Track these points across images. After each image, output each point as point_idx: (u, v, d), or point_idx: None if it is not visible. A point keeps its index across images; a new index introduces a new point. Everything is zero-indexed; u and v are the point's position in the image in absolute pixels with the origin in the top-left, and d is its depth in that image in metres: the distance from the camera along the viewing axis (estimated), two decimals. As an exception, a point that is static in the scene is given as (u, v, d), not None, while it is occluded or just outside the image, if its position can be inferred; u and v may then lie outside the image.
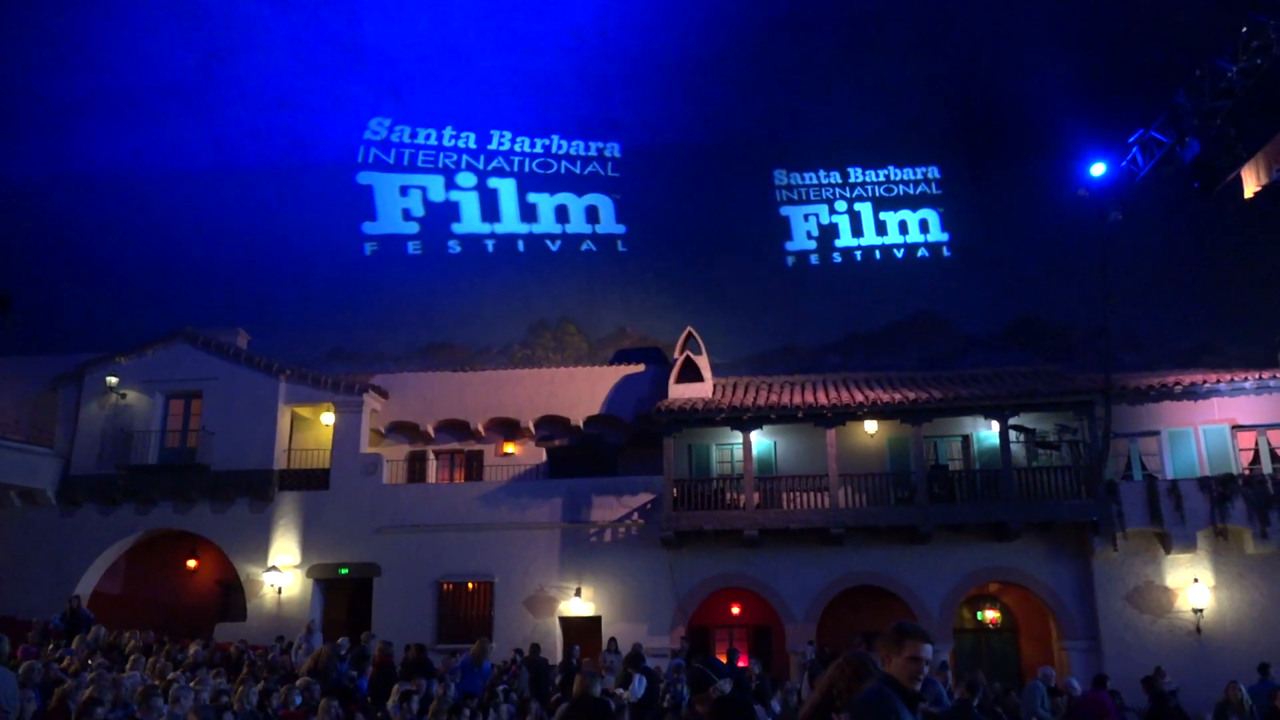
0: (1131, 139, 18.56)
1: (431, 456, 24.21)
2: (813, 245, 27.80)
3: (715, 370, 23.29)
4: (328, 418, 23.41)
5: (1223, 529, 19.40)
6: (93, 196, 28.30)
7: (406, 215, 28.64)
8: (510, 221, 28.43)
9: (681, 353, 22.92)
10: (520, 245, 28.17)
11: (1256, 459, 20.62)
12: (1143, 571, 19.84)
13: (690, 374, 22.50)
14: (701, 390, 22.32)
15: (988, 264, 26.25)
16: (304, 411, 23.78)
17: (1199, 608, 19.39)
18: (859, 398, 20.92)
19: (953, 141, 27.82)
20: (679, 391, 22.22)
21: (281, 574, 21.70)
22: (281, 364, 23.33)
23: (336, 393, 23.02)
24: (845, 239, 27.75)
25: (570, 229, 28.28)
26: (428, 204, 28.71)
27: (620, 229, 28.13)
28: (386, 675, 13.65)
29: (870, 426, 21.38)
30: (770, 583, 20.70)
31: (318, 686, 12.36)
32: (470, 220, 28.49)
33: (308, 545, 21.97)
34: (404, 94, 29.26)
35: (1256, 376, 21.07)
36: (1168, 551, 19.70)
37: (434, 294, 27.29)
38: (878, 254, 27.48)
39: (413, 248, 28.26)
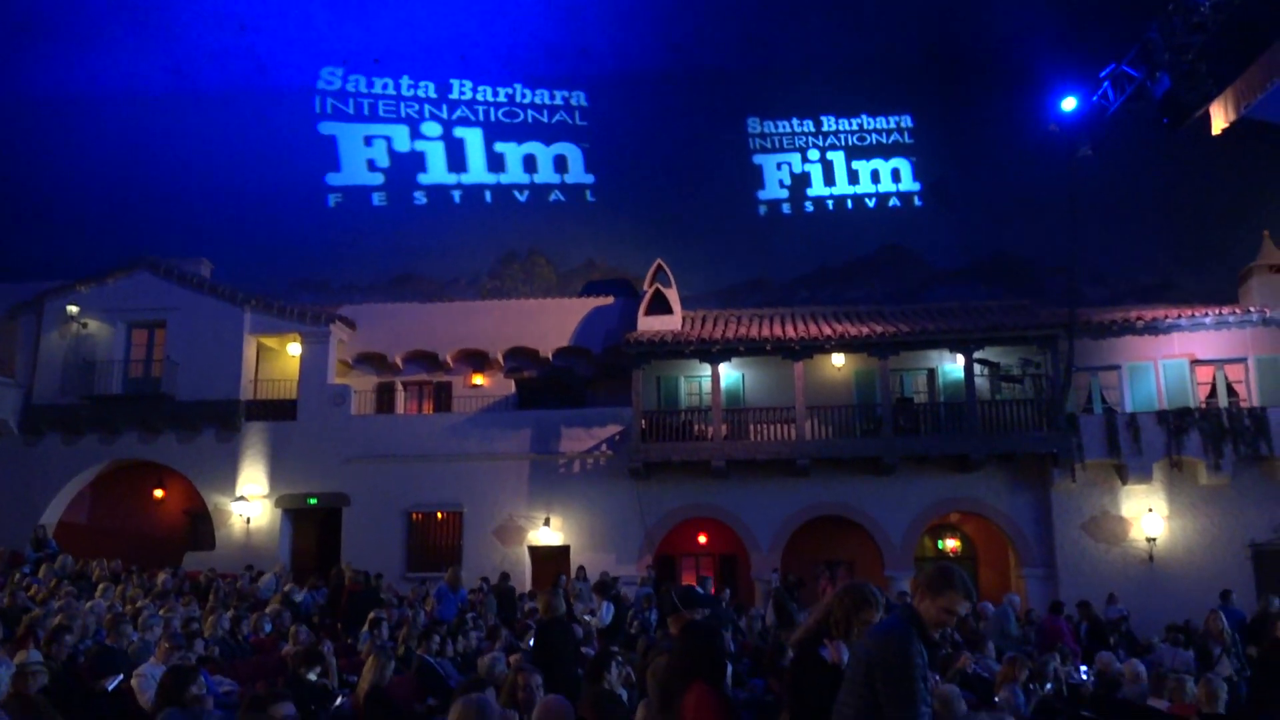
0: (1103, 74, 18.50)
1: (400, 388, 24.16)
2: (785, 194, 27.59)
3: (684, 303, 23.30)
4: (294, 348, 23.23)
5: (1178, 461, 19.86)
6: (48, 121, 27.53)
7: (371, 166, 28.00)
8: (477, 171, 27.92)
9: (651, 285, 22.88)
10: (487, 196, 27.70)
11: (1213, 393, 21.06)
12: (1099, 502, 20.32)
13: (659, 306, 22.50)
14: (670, 323, 22.34)
15: (958, 199, 26.30)
16: (270, 342, 23.58)
17: (1152, 537, 19.93)
18: (827, 331, 21.04)
19: (925, 77, 27.57)
20: (648, 324, 22.24)
21: (250, 504, 21.71)
22: (246, 294, 23.05)
23: (303, 323, 22.81)
24: (817, 188, 27.56)
25: (538, 179, 27.82)
26: (393, 154, 28.10)
27: (589, 178, 27.70)
28: (357, 603, 13.78)
29: (837, 359, 21.55)
30: (737, 513, 21.00)
31: (288, 614, 12.47)
32: (436, 170, 27.95)
33: (276, 475, 21.97)
34: (368, 11, 28.36)
35: (1216, 312, 21.41)
36: (1124, 482, 20.17)
37: (401, 225, 26.99)
38: (849, 203, 27.36)
39: (378, 199, 27.70)
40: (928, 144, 27.45)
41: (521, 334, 23.59)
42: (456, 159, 28.03)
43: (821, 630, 4.48)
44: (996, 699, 8.05)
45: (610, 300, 23.91)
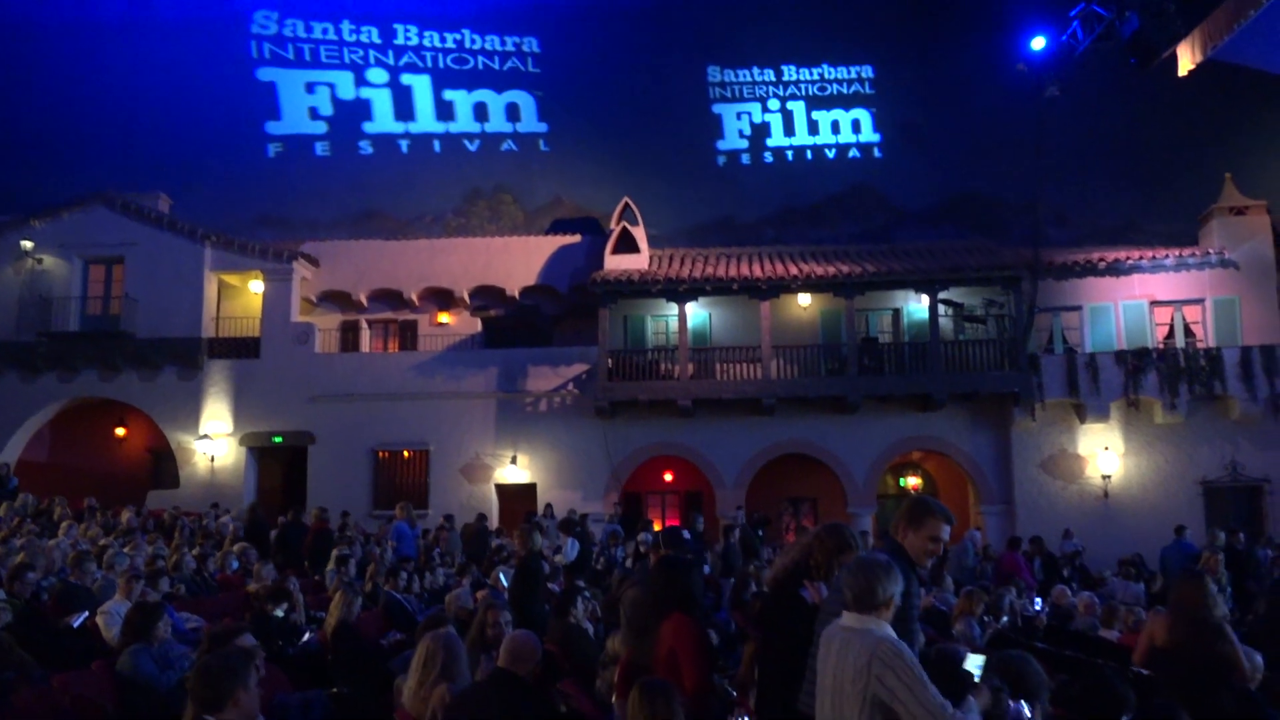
0: (1073, 12, 18.42)
1: (365, 326, 23.96)
2: (745, 144, 27.18)
3: (652, 242, 23.19)
4: (256, 286, 22.92)
5: (1135, 400, 20.23)
6: (-5, 48, 26.61)
7: (314, 114, 27.02)
8: (426, 120, 27.08)
9: (618, 223, 22.74)
10: (436, 145, 26.88)
11: (1171, 334, 21.41)
12: (1057, 440, 20.70)
13: (627, 245, 22.40)
14: (638, 261, 22.26)
15: (925, 140, 26.19)
16: (231, 279, 23.24)
17: (1107, 474, 20.37)
18: (793, 271, 21.07)
19: (891, 16, 27.16)
20: (615, 262, 22.14)
21: (213, 442, 21.57)
22: (206, 230, 22.64)
23: (265, 260, 22.48)
24: (777, 138, 27.14)
25: (490, 128, 27.03)
26: (336, 102, 27.10)
27: (542, 127, 26.97)
28: (323, 541, 13.80)
29: (804, 299, 21.62)
30: (702, 451, 21.18)
31: (254, 551, 12.47)
32: (383, 119, 27.05)
33: (240, 414, 21.81)
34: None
35: (1177, 254, 21.68)
36: (1082, 421, 20.53)
37: (364, 161, 26.48)
38: (809, 154, 27.04)
39: (321, 149, 26.75)
40: (893, 84, 27.09)
41: (488, 272, 23.42)
42: (404, 107, 27.13)
43: (800, 571, 4.51)
44: (954, 631, 8.25)
45: (577, 239, 23.75)
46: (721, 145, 27.19)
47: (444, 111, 27.22)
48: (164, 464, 22.63)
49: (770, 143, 27.18)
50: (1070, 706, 4.41)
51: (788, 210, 26.15)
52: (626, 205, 23.05)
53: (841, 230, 25.40)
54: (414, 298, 23.49)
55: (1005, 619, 9.68)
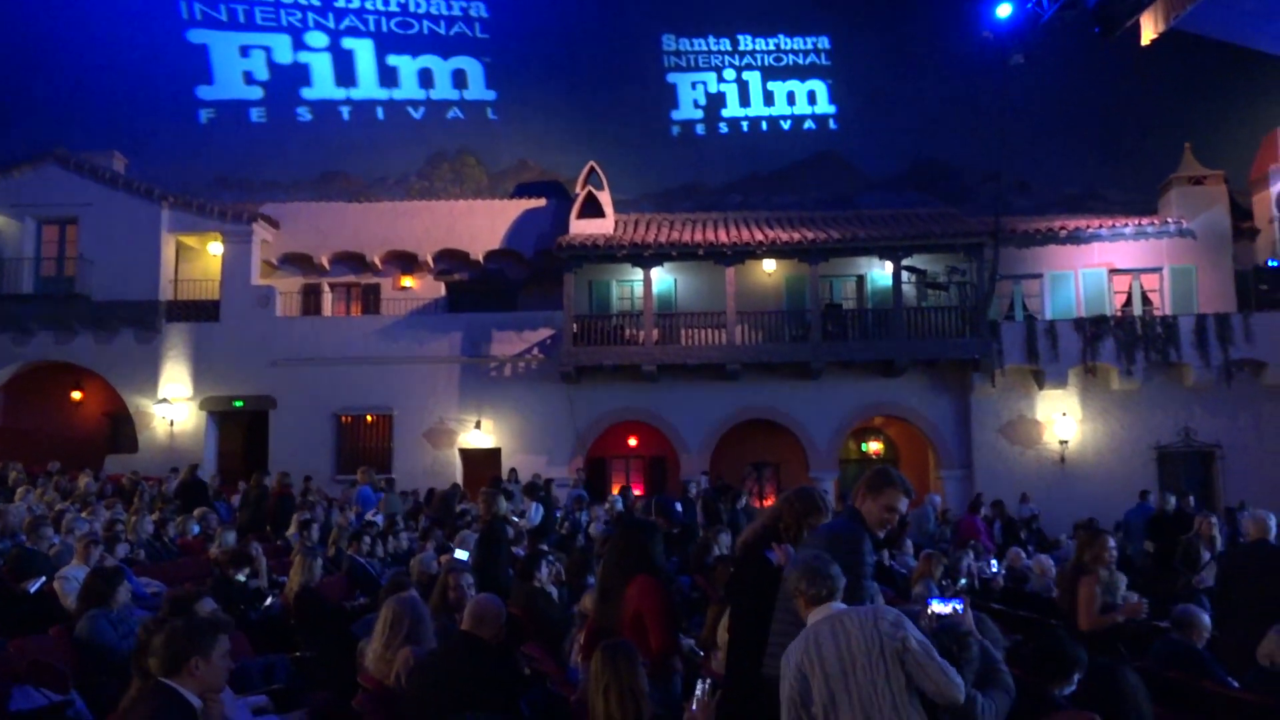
0: (1038, -20, 18.45)
1: (326, 289, 23.70)
2: (700, 114, 26.86)
3: (617, 206, 23.09)
4: (215, 248, 22.57)
5: (1092, 367, 20.54)
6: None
7: (248, 79, 25.98)
8: (368, 86, 26.14)
9: (583, 188, 22.60)
10: (380, 112, 26.08)
11: (1129, 301, 21.73)
12: (1016, 406, 21.00)
13: (592, 209, 22.28)
14: (603, 226, 22.17)
15: (889, 106, 26.13)
16: (190, 241, 22.86)
17: (1064, 439, 20.72)
18: (759, 237, 21.09)
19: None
20: (580, 227, 22.03)
21: (173, 406, 21.31)
22: (163, 190, 22.21)
23: (224, 221, 22.12)
24: (733, 109, 26.83)
25: (436, 94, 26.21)
26: (273, 66, 26.05)
27: (490, 95, 26.29)
28: (285, 506, 13.74)
29: (769, 265, 21.66)
30: (667, 416, 21.26)
31: (214, 516, 12.39)
32: (323, 85, 26.03)
33: (199, 377, 21.55)
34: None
35: (1136, 223, 21.95)
36: (1041, 387, 20.83)
37: (327, 121, 26.01)
38: (764, 125, 26.82)
39: (256, 115, 25.79)
40: (853, 51, 26.80)
41: (451, 236, 23.21)
42: (345, 72, 26.18)
43: (769, 534, 4.55)
44: (913, 593, 8.40)
45: (542, 202, 23.58)
46: (676, 115, 26.78)
47: (388, 77, 26.33)
48: (122, 428, 22.34)
49: (726, 113, 26.81)
50: (1024, 665, 4.51)
51: (753, 176, 26.10)
52: (592, 170, 22.90)
53: (807, 196, 25.39)
54: (377, 261, 23.25)
55: (963, 581, 9.87)
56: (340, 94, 26.24)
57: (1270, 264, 21.51)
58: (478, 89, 26.48)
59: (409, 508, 16.11)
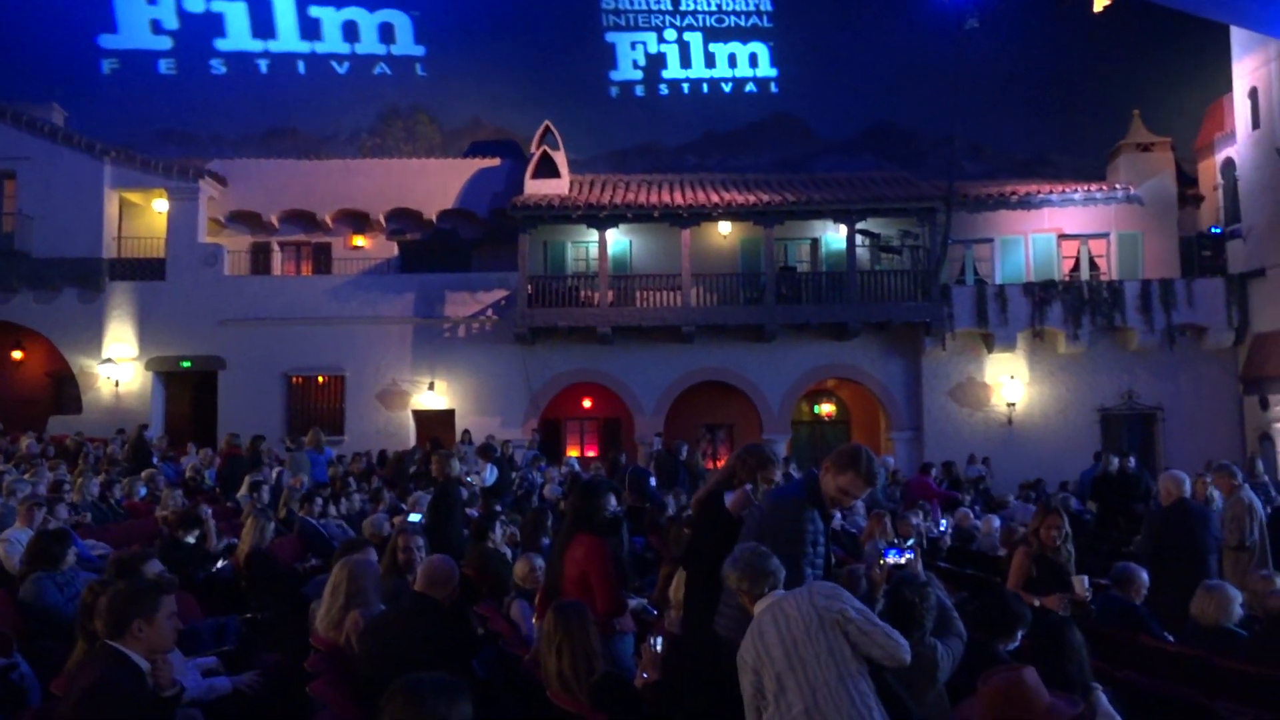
0: (995, -56, 18.50)
1: (276, 248, 23.29)
2: (639, 75, 26.39)
3: (572, 166, 22.89)
4: (160, 205, 22.04)
5: (1040, 331, 20.87)
6: None
7: (156, 28, 24.84)
8: (288, 39, 24.98)
9: (538, 147, 22.36)
10: (301, 66, 25.00)
11: (1077, 266, 22.06)
12: (966, 369, 21.31)
13: (547, 169, 22.08)
14: (558, 186, 21.98)
15: (840, 70, 26.07)
16: (134, 197, 22.30)
17: (1012, 402, 21.08)
18: (714, 199, 21.06)
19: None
20: (535, 187, 21.84)
21: (118, 366, 20.90)
22: (106, 145, 21.60)
23: (169, 178, 21.58)
24: (674, 70, 26.41)
25: (361, 49, 25.23)
26: (183, 14, 24.91)
27: (419, 50, 25.37)
28: (234, 467, 13.58)
29: (724, 228, 21.66)
30: (621, 378, 21.28)
31: (162, 478, 12.22)
32: (238, 36, 24.89)
33: (145, 337, 21.13)
34: None
35: (1085, 189, 22.23)
36: (990, 351, 21.14)
37: (273, 74, 25.37)
38: (705, 87, 26.46)
39: (165, 66, 24.65)
40: (804, 14, 26.50)
41: (404, 194, 22.88)
42: (263, 23, 25.06)
43: (723, 491, 4.59)
44: (863, 552, 8.52)
45: (497, 162, 23.30)
46: (615, 76, 26.36)
47: (309, 30, 25.24)
48: (66, 388, 21.87)
49: (666, 74, 26.41)
50: (970, 622, 4.61)
51: (709, 137, 26.01)
52: (547, 129, 22.65)
53: (762, 158, 25.39)
54: (327, 220, 22.87)
55: (911, 540, 10.03)
56: (257, 46, 25.13)
57: (1213, 230, 21.94)
58: (406, 44, 25.54)
59: (362, 469, 16.01)
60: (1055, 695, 3.19)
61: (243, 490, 12.25)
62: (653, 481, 8.26)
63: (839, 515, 10.80)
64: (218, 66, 24.93)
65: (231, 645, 6.02)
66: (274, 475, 13.23)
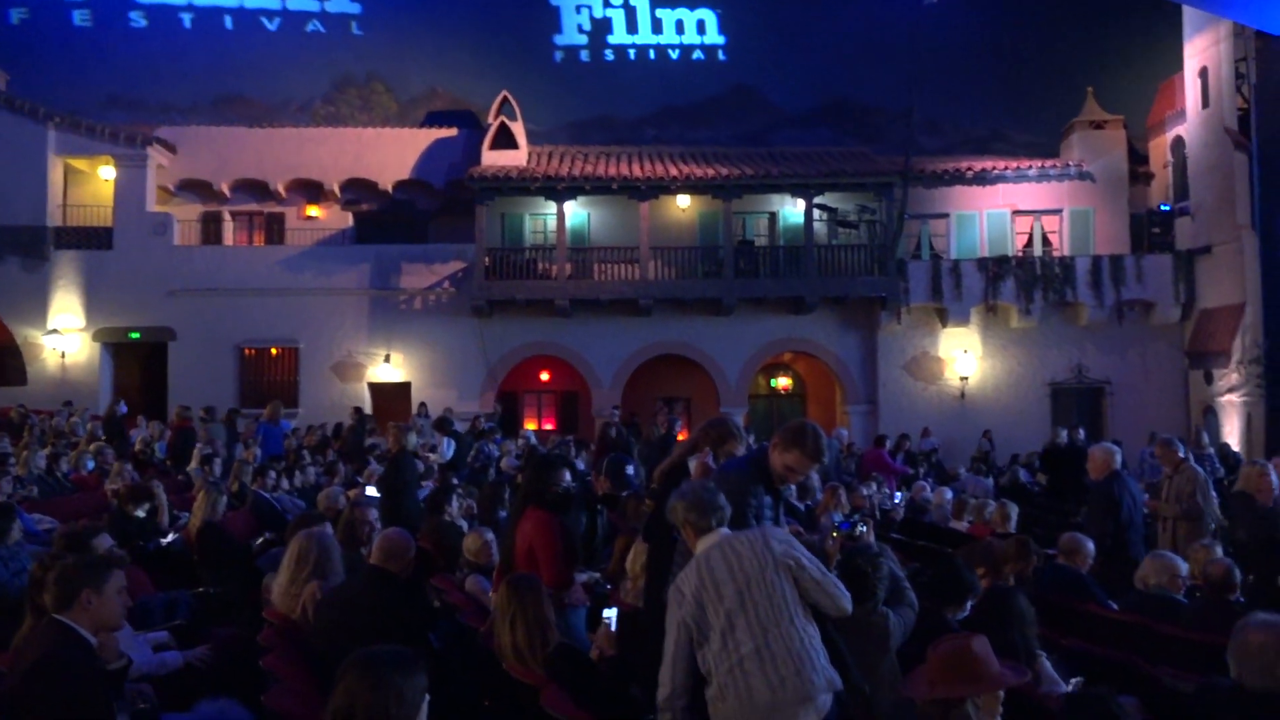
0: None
1: (228, 217, 22.86)
2: (584, 40, 26.06)
3: (531, 138, 22.68)
4: (107, 172, 21.51)
5: (993, 305, 21.14)
6: None
7: None
8: None
9: (496, 118, 22.12)
10: (228, 21, 24.22)
11: (1030, 242, 22.35)
12: (920, 343, 21.55)
13: (505, 140, 21.86)
14: (516, 158, 21.79)
15: (798, 40, 25.97)
16: (79, 164, 21.74)
17: (965, 376, 21.38)
18: (673, 172, 21.02)
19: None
20: (493, 158, 21.63)
21: (64, 337, 20.46)
22: (49, 109, 21.01)
23: (116, 144, 21.05)
24: (619, 35, 26.03)
25: (292, 4, 24.52)
26: None
27: (355, 8, 24.70)
28: (185, 439, 13.40)
29: (683, 201, 21.63)
30: (579, 351, 21.25)
31: (110, 450, 12.03)
32: None
33: (93, 308, 20.69)
34: None
35: (1039, 165, 22.48)
36: (944, 325, 21.39)
37: (224, 39, 24.78)
38: (652, 53, 26.20)
39: (79, 17, 23.80)
40: None
41: (359, 164, 22.52)
42: None
43: (687, 461, 4.61)
44: (819, 525, 8.62)
45: (454, 132, 23.00)
46: (559, 40, 26.04)
47: None
48: (9, 360, 21.31)
49: (612, 40, 26.14)
50: (922, 592, 4.69)
51: (668, 110, 25.87)
52: (505, 100, 22.40)
53: (721, 132, 25.31)
54: (280, 189, 22.47)
55: (858, 516, 10.15)
56: None
57: (1163, 208, 22.31)
58: (340, 0, 24.95)
59: (317, 441, 15.86)
60: (1003, 663, 3.25)
61: (193, 464, 12.09)
62: (630, 470, 8.25)
63: (794, 489, 10.91)
64: (137, 20, 24.09)
65: (183, 620, 5.97)
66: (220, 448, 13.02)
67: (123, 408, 16.28)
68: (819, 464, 4.22)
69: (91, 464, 11.91)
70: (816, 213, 21.02)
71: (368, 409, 20.46)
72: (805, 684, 3.34)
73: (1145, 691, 4.44)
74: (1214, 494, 8.31)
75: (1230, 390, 19.69)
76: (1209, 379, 20.34)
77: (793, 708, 3.34)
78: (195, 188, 22.42)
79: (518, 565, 4.89)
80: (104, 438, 13.97)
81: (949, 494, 12.08)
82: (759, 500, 4.06)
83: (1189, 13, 20.87)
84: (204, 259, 21.22)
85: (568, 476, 5.39)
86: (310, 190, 22.66)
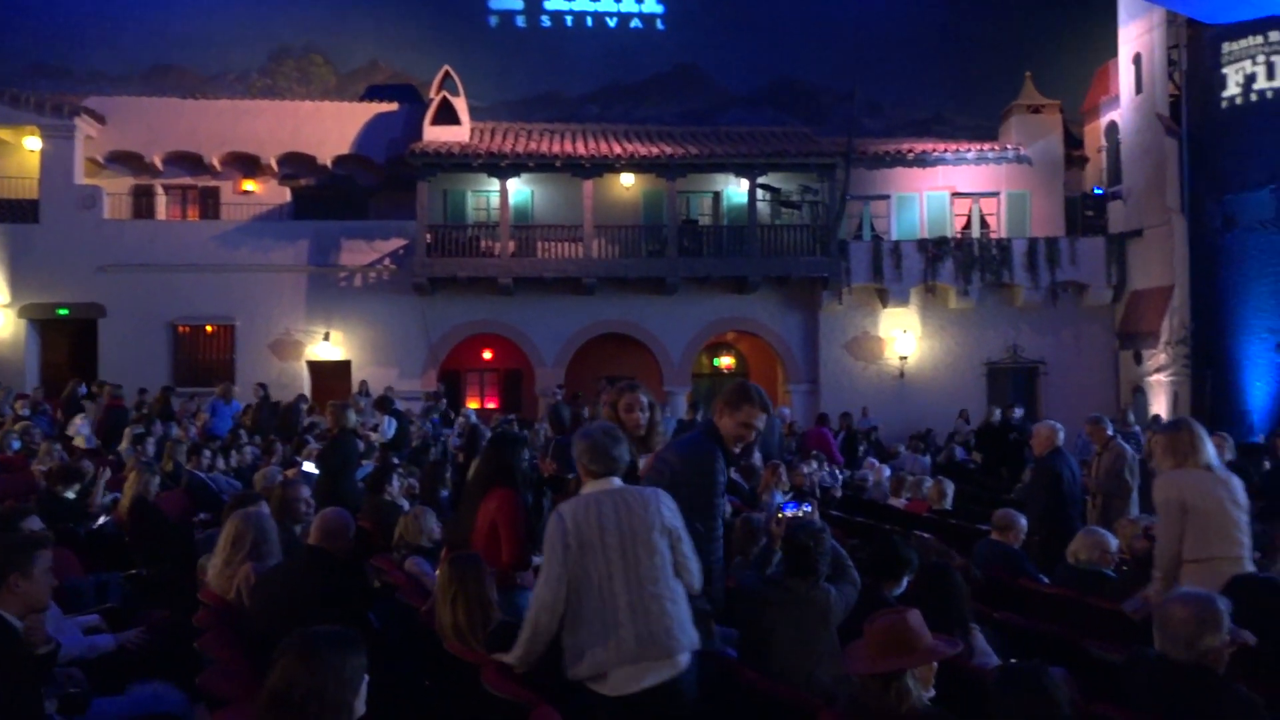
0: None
1: (160, 191, 22.28)
2: (520, 5, 25.83)
3: (473, 114, 22.42)
4: (32, 143, 20.80)
5: (932, 286, 21.46)
6: None
7: None
8: None
9: (438, 93, 21.81)
10: None
11: (968, 224, 22.69)
12: (861, 323, 21.80)
13: (447, 116, 21.56)
14: (458, 134, 21.52)
15: (742, 18, 25.94)
16: (3, 134, 21.00)
17: (904, 355, 21.69)
18: (617, 150, 20.93)
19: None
20: (435, 134, 21.33)
21: (-12, 314, 19.84)
22: (-31, 77, 20.28)
23: (41, 114, 20.36)
24: (556, 1, 25.97)
25: None
26: None
27: None
28: (116, 419, 13.09)
29: (627, 179, 21.56)
30: (522, 329, 21.14)
31: (38, 430, 11.71)
32: None
33: (18, 283, 20.06)
34: None
35: (978, 148, 22.80)
36: (884, 305, 21.66)
37: (158, 6, 24.05)
38: (589, 20, 25.98)
39: None
40: None
41: (297, 138, 22.07)
42: None
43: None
44: (760, 503, 8.71)
45: (395, 107, 22.63)
46: (495, 4, 25.74)
47: None
48: (-70, 337, 20.66)
49: (549, 5, 25.91)
50: (860, 567, 4.77)
51: (612, 86, 25.74)
52: (447, 74, 22.09)
53: (666, 110, 25.27)
54: (215, 163, 21.93)
55: (794, 495, 10.27)
56: None
57: (1096, 191, 22.80)
58: None
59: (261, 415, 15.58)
60: (936, 636, 3.32)
61: (124, 443, 11.82)
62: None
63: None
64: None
65: (115, 602, 5.85)
66: (160, 426, 12.77)
67: (83, 389, 15.81)
68: (769, 413, 4.28)
69: (17, 444, 11.57)
70: (760, 193, 21.11)
71: (306, 388, 20.20)
72: (673, 641, 3.52)
73: (1075, 663, 4.56)
74: (1134, 470, 8.53)
75: (1158, 370, 20.25)
76: (1139, 359, 20.90)
77: (658, 662, 3.50)
78: (126, 160, 21.79)
79: (476, 543, 4.87)
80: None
81: (887, 471, 12.28)
82: (724, 475, 4.16)
83: (1124, 0, 21.27)
84: (135, 233, 20.66)
85: (527, 455, 5.39)
86: (246, 164, 22.15)
